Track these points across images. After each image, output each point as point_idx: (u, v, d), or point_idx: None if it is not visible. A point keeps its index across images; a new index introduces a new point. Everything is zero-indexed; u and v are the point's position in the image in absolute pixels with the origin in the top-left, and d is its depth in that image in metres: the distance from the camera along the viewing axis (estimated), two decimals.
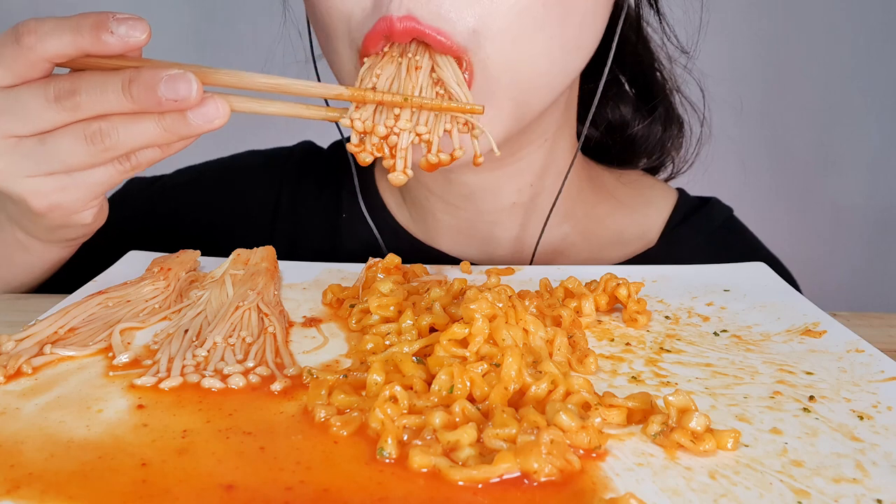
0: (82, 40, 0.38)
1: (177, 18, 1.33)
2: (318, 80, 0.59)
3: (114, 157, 0.41)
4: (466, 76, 0.45)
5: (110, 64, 0.39)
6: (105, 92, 0.38)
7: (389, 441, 0.31)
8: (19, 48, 0.39)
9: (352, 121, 0.43)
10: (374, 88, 0.43)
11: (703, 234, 0.64)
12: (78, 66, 0.40)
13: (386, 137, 0.43)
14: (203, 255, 0.52)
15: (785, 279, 0.52)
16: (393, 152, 0.44)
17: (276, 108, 0.42)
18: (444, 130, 0.44)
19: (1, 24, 0.41)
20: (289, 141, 0.75)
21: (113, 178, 0.42)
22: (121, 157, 0.41)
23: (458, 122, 0.44)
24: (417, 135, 0.43)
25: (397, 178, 0.44)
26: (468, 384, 0.34)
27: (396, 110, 0.43)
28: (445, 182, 0.59)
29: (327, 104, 0.51)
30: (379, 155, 0.44)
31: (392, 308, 0.42)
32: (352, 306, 0.44)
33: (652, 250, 0.62)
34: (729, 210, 0.68)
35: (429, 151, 0.44)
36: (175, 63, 0.39)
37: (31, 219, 0.46)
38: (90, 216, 0.45)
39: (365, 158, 0.44)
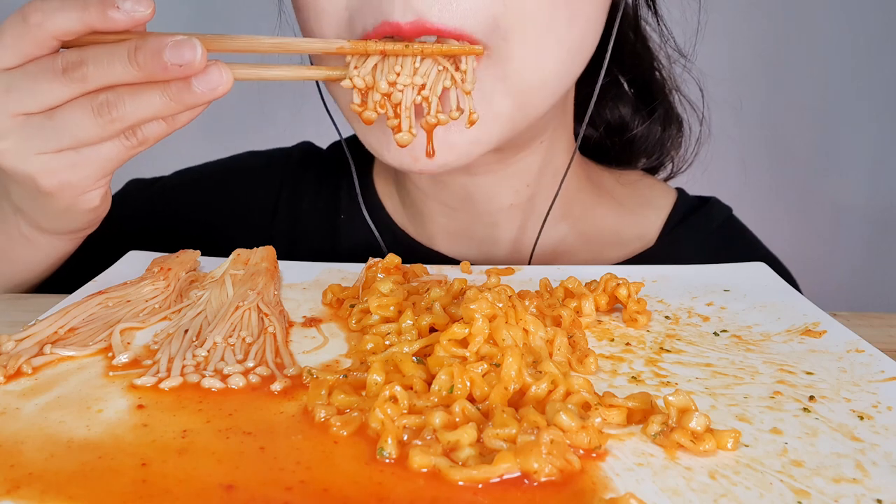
0: (88, 16, 0.39)
1: (176, 17, 1.33)
2: (319, 88, 0.59)
3: (121, 130, 0.41)
4: (475, 65, 0.45)
5: (116, 40, 0.40)
6: (112, 61, 0.39)
7: (389, 441, 0.31)
8: (26, 26, 0.39)
9: (352, 79, 0.43)
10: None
11: (703, 233, 0.64)
12: (84, 44, 0.40)
13: (388, 96, 0.44)
14: (203, 255, 0.52)
15: (785, 279, 0.52)
16: (396, 111, 0.44)
17: (278, 73, 0.42)
18: (444, 88, 0.44)
19: (3, 16, 0.41)
20: (288, 141, 0.75)
21: (120, 153, 0.42)
22: (127, 131, 0.41)
23: (455, 81, 0.44)
24: (419, 91, 0.44)
25: (403, 138, 0.44)
26: (468, 384, 0.34)
27: (398, 68, 0.43)
28: (442, 185, 0.59)
29: (311, 61, 0.51)
30: (382, 111, 0.44)
31: (392, 308, 0.42)
32: (352, 306, 0.44)
33: (651, 250, 0.62)
34: (728, 210, 0.68)
35: (428, 113, 0.44)
36: (178, 33, 0.39)
37: (38, 201, 0.46)
38: (97, 197, 0.45)
39: (369, 116, 0.44)
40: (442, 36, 0.44)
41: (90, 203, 0.45)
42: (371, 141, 0.50)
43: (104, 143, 0.42)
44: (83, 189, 0.44)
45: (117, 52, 0.38)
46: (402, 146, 0.45)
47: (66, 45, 0.40)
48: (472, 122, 0.45)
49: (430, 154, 0.47)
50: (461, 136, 0.48)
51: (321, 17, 0.47)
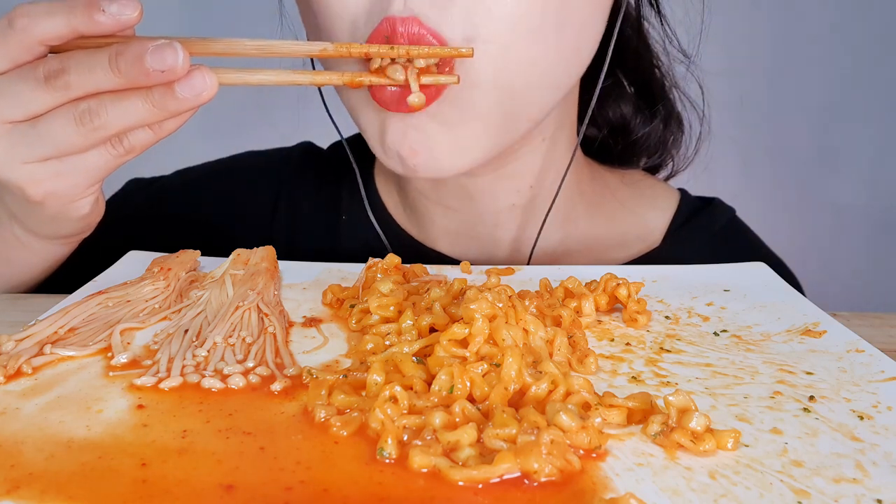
0: (75, 20, 0.38)
1: (175, 20, 1.33)
2: (320, 94, 0.59)
3: (105, 138, 0.41)
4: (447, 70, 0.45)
5: (104, 44, 0.39)
6: (93, 68, 0.38)
7: (389, 441, 0.31)
8: (13, 31, 0.39)
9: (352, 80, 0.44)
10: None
11: (706, 235, 0.64)
12: (71, 49, 0.40)
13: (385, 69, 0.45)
14: (203, 255, 0.52)
15: (788, 280, 0.52)
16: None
17: (265, 78, 0.42)
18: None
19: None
20: (289, 141, 0.75)
21: (108, 162, 0.42)
22: (113, 139, 0.41)
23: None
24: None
25: (414, 100, 0.44)
26: (468, 384, 0.34)
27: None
28: (442, 185, 0.59)
29: (313, 65, 0.52)
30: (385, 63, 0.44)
31: (392, 308, 0.42)
32: (352, 306, 0.44)
33: (655, 252, 0.62)
34: (731, 211, 0.68)
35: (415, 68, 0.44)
36: (161, 37, 0.39)
37: (28, 209, 0.46)
38: (87, 205, 0.45)
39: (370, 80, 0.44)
40: (425, 42, 0.44)
41: (80, 211, 0.45)
42: (376, 148, 0.50)
43: (90, 152, 0.41)
44: (71, 198, 0.44)
45: (98, 58, 0.38)
46: (415, 108, 0.45)
47: (54, 50, 0.40)
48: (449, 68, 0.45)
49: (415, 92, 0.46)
50: (455, 143, 0.48)
51: (334, 20, 0.47)
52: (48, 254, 0.52)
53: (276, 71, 0.42)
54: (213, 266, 0.50)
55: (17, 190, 0.43)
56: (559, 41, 0.47)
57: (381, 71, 0.44)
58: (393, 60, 0.44)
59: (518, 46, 0.45)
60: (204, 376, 0.36)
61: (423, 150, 0.48)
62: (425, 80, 0.44)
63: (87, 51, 0.39)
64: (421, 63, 0.44)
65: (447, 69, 0.45)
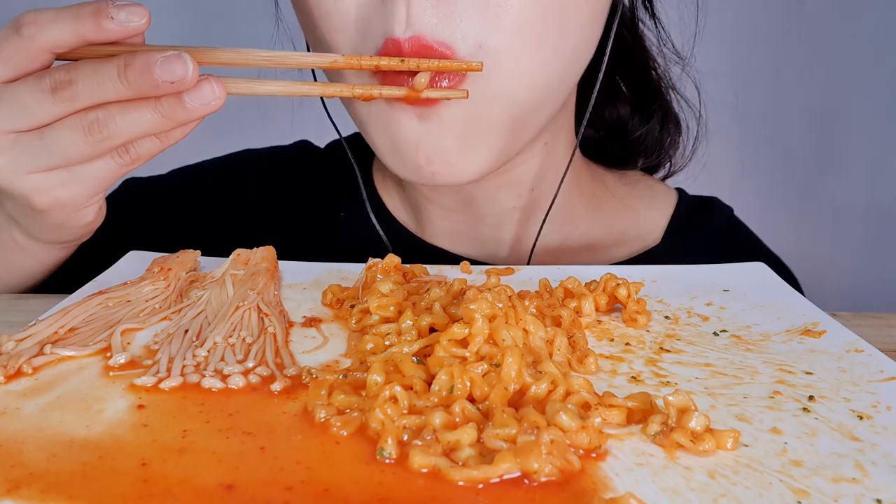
0: (82, 27, 0.38)
1: (175, 25, 1.33)
2: (326, 109, 0.59)
3: (112, 148, 0.40)
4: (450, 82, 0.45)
5: (111, 51, 0.39)
6: (101, 79, 0.38)
7: (389, 441, 0.31)
8: (20, 39, 0.38)
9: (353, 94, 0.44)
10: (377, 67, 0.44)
11: (705, 234, 0.64)
12: (78, 57, 0.40)
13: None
14: (203, 255, 0.52)
15: (786, 279, 0.52)
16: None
17: (273, 88, 0.42)
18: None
19: (2, 23, 0.40)
20: (286, 141, 0.75)
21: (114, 171, 0.42)
22: (120, 148, 0.41)
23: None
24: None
25: (419, 80, 0.44)
26: (468, 384, 0.34)
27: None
28: (443, 190, 0.59)
29: (315, 76, 0.52)
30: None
31: (392, 308, 0.42)
32: (352, 306, 0.44)
33: (654, 251, 0.63)
34: (730, 210, 0.68)
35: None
36: (169, 46, 0.39)
37: (32, 217, 0.46)
38: (92, 213, 0.45)
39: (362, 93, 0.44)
40: (435, 55, 0.44)
41: (84, 219, 0.45)
42: (388, 160, 0.50)
43: (96, 161, 0.41)
44: (77, 207, 0.44)
45: (106, 69, 0.38)
46: (428, 102, 0.45)
47: (60, 57, 0.40)
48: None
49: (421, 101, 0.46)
50: (467, 151, 0.48)
51: (332, 35, 0.47)
52: (46, 258, 0.52)
53: (285, 82, 0.42)
54: (213, 266, 0.50)
55: (22, 199, 0.43)
56: (559, 46, 0.47)
57: (388, 77, 0.45)
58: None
59: (525, 53, 0.46)
60: (204, 376, 0.36)
61: (438, 158, 0.48)
62: (434, 94, 0.44)
63: (94, 61, 0.39)
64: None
65: (454, 81, 0.45)
